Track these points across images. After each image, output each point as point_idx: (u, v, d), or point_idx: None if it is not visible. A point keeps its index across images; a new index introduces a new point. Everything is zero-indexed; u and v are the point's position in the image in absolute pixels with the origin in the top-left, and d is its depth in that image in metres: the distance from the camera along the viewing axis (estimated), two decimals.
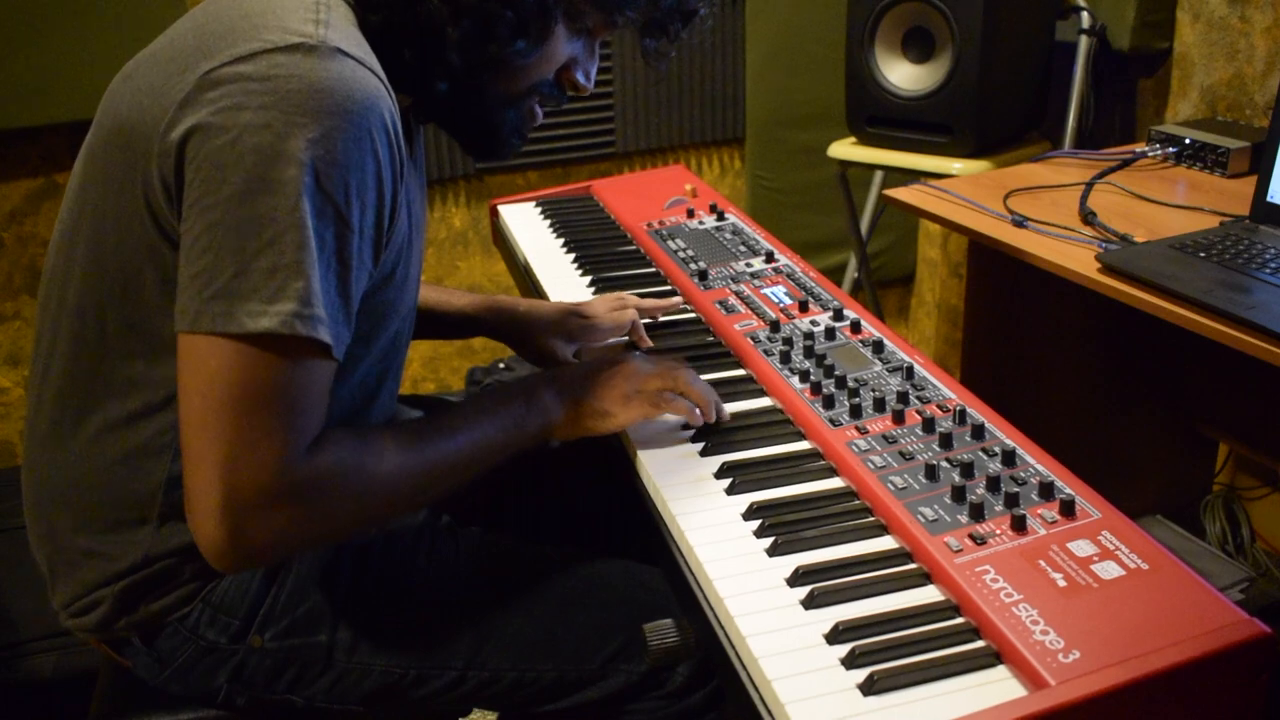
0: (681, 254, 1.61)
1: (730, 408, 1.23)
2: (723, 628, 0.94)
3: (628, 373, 1.18)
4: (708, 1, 1.22)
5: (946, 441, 1.09)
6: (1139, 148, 2.00)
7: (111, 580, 1.09)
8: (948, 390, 1.19)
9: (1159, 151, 1.95)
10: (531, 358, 1.47)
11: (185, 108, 0.92)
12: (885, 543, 1.00)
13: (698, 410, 1.18)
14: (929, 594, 0.94)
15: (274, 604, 1.13)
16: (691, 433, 1.19)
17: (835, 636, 0.89)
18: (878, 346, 1.29)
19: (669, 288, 1.56)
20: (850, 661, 0.86)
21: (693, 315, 1.47)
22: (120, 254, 1.01)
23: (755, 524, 1.03)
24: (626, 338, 1.44)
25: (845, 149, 2.38)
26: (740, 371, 1.31)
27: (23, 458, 1.16)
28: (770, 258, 1.56)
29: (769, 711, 0.85)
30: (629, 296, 1.49)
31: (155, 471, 1.06)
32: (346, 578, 1.16)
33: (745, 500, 1.07)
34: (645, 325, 1.45)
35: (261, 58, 0.91)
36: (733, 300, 1.45)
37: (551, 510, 1.46)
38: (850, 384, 1.21)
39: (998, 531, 0.96)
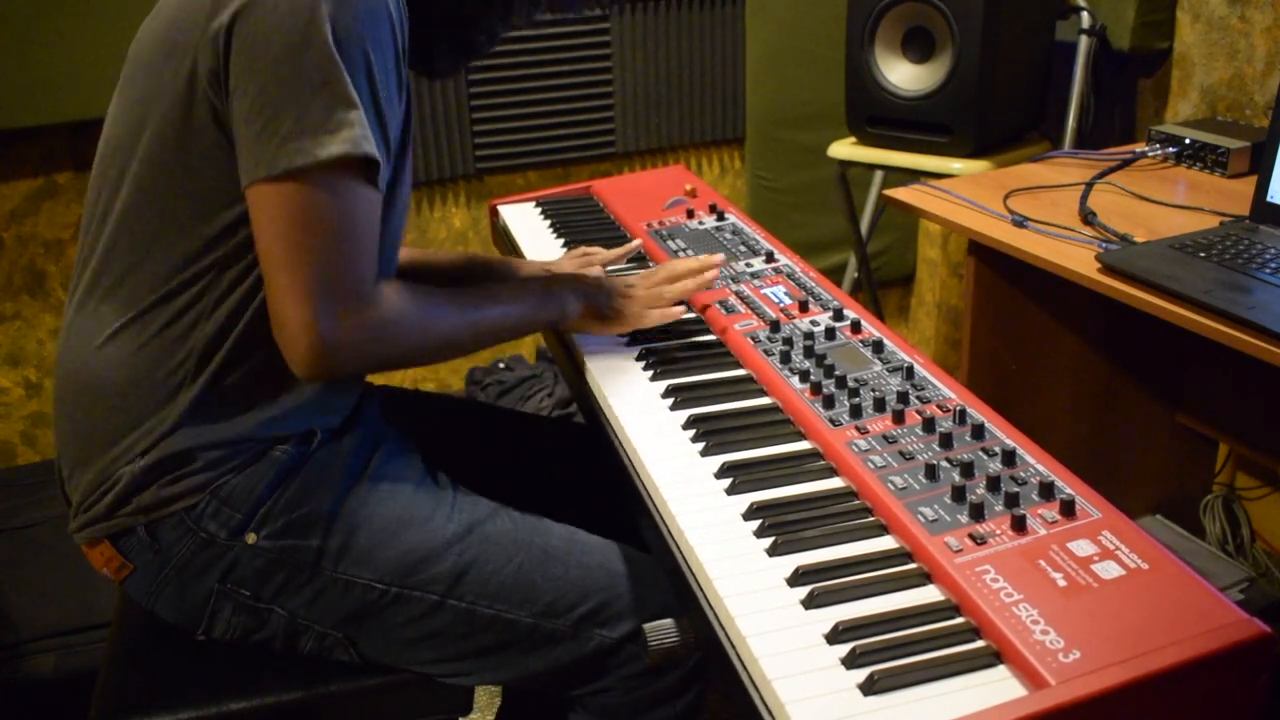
0: (681, 254, 1.61)
1: (730, 407, 1.23)
2: (723, 627, 0.94)
3: (628, 294, 1.39)
4: None
5: (946, 441, 1.09)
6: (1139, 148, 2.00)
7: (133, 459, 1.17)
8: (948, 390, 1.19)
9: (1159, 151, 1.95)
10: None
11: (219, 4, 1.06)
12: (885, 543, 1.00)
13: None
14: (929, 594, 0.94)
15: (275, 504, 1.20)
16: (693, 431, 1.19)
17: (835, 636, 0.89)
18: (878, 346, 1.29)
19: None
20: (850, 661, 0.86)
21: (693, 315, 1.47)
22: (164, 160, 1.14)
23: (755, 524, 1.03)
24: None
25: (845, 149, 2.38)
26: (740, 371, 1.31)
27: (58, 359, 1.26)
28: (770, 258, 1.56)
29: (769, 711, 0.85)
30: (595, 251, 1.62)
31: (183, 351, 1.17)
32: (346, 491, 1.23)
33: (745, 500, 1.07)
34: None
35: None
36: (733, 300, 1.45)
37: (550, 503, 1.48)
38: (850, 384, 1.21)
39: (998, 531, 0.96)
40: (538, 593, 1.23)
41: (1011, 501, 0.99)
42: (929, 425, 1.12)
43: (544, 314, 1.33)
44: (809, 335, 1.32)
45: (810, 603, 0.93)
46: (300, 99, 1.04)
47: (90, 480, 1.20)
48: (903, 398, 1.17)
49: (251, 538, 1.19)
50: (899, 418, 1.14)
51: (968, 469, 1.04)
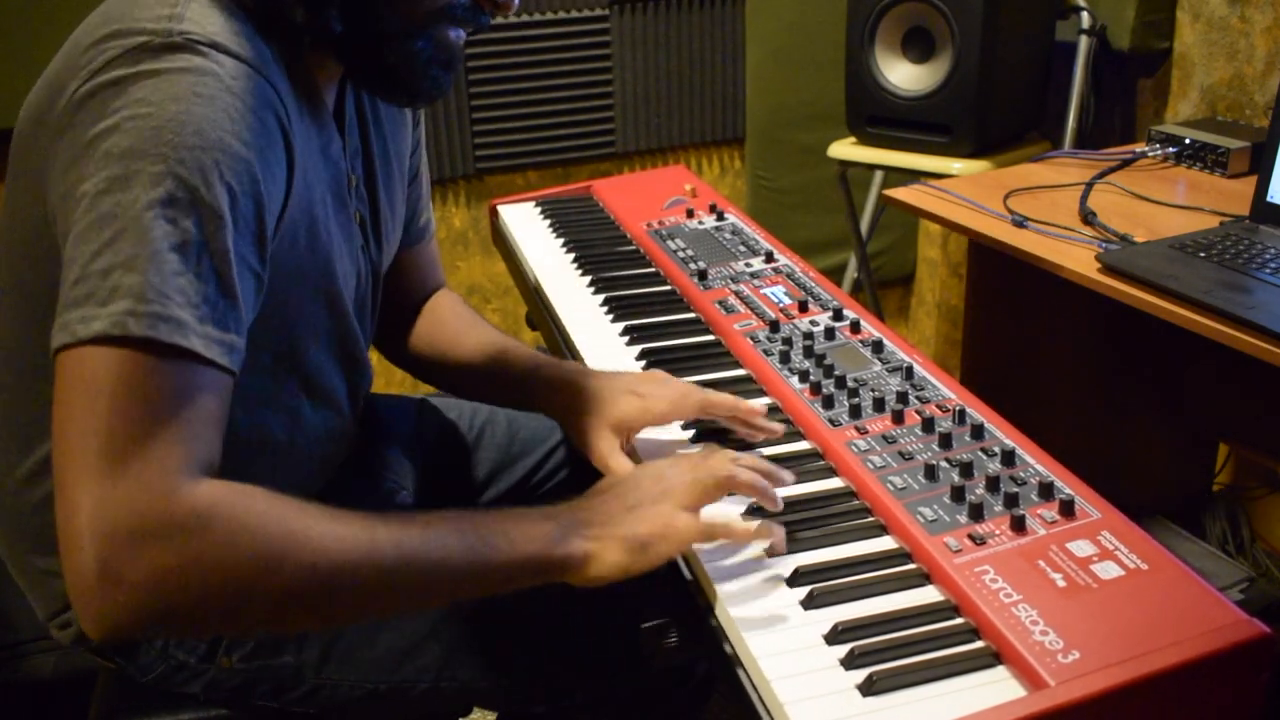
0: (681, 254, 1.61)
1: None
2: (722, 628, 0.93)
3: (658, 490, 0.98)
4: None
5: (946, 441, 1.09)
6: (1139, 148, 2.00)
7: None
8: (947, 390, 1.19)
9: (1159, 151, 1.95)
10: (581, 446, 1.21)
11: (62, 134, 0.88)
12: (885, 543, 1.00)
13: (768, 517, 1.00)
14: (928, 594, 0.94)
15: None
16: (691, 433, 1.19)
17: (834, 637, 0.88)
18: (877, 346, 1.29)
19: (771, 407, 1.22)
20: (850, 662, 0.86)
21: (693, 315, 1.47)
22: (36, 297, 0.95)
23: (754, 525, 1.03)
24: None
25: (845, 149, 2.38)
26: (740, 371, 1.31)
27: None
28: (770, 258, 1.56)
29: (768, 712, 0.85)
30: (716, 399, 1.17)
31: None
32: None
33: (744, 500, 1.07)
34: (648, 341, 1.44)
35: (114, 64, 0.87)
36: (732, 300, 1.45)
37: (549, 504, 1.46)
38: (850, 384, 1.21)
39: (997, 532, 0.96)
40: (533, 650, 1.19)
41: (1011, 502, 0.99)
42: (928, 425, 1.12)
43: (522, 556, 0.92)
44: (808, 335, 1.32)
45: (809, 603, 0.93)
46: (84, 257, 0.82)
47: (47, 609, 1.12)
48: (902, 398, 1.17)
49: (225, 661, 1.11)
50: (898, 418, 1.14)
51: (967, 469, 1.04)
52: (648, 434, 1.18)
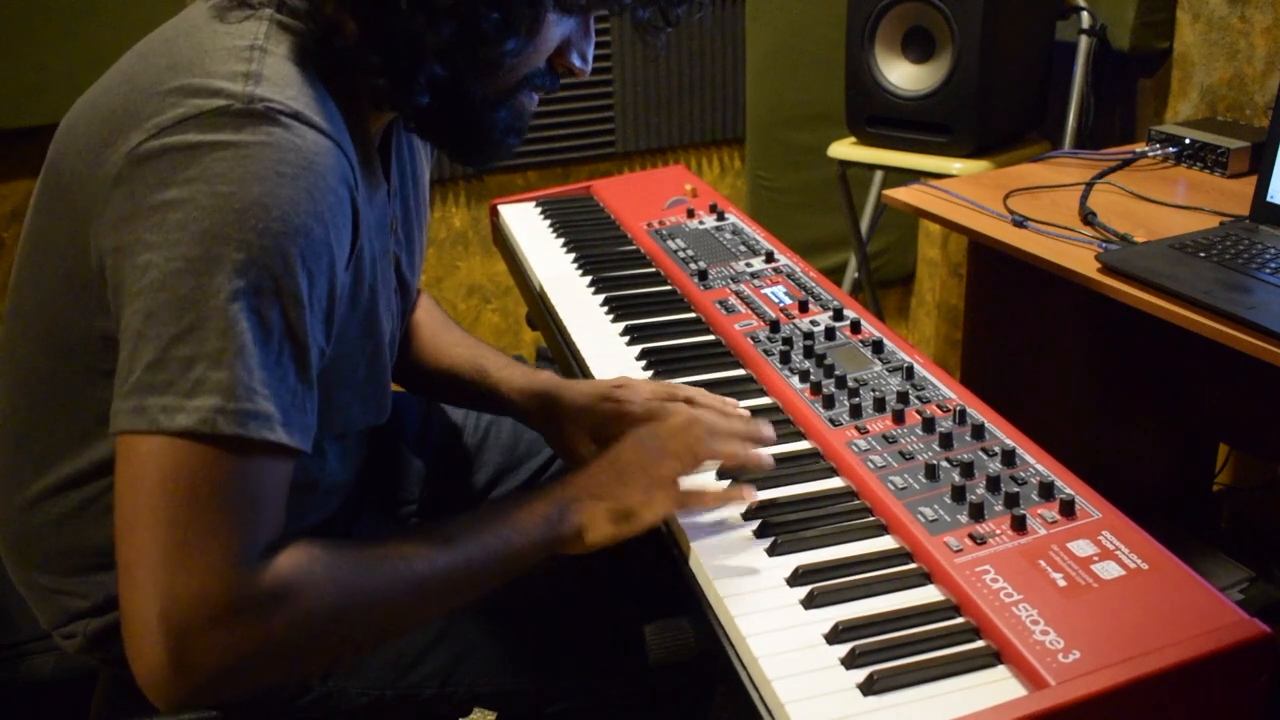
0: (681, 254, 1.61)
1: None
2: (723, 627, 0.94)
3: (640, 460, 1.05)
4: None
5: (946, 441, 1.09)
6: (1139, 148, 2.00)
7: (82, 616, 1.06)
8: (948, 390, 1.19)
9: (1159, 151, 1.95)
10: (562, 455, 1.29)
11: (118, 184, 0.85)
12: (885, 543, 1.00)
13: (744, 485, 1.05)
14: (929, 594, 0.94)
15: None
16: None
17: (835, 636, 0.89)
18: (878, 346, 1.29)
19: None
20: (850, 661, 0.86)
21: (693, 315, 1.47)
22: (61, 323, 0.95)
23: (755, 524, 1.03)
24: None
25: (845, 149, 2.38)
26: (740, 371, 1.31)
27: None
28: (770, 258, 1.56)
29: (769, 711, 0.85)
30: (701, 395, 1.20)
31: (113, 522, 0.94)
32: None
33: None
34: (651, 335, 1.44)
35: (187, 126, 0.84)
36: (733, 300, 1.45)
37: None
38: (850, 384, 1.21)
39: (998, 531, 0.96)
40: (537, 652, 1.19)
41: (1011, 501, 0.99)
42: (929, 425, 1.12)
43: (533, 539, 1.01)
44: (809, 335, 1.32)
45: (810, 603, 0.93)
46: (161, 339, 0.81)
47: (49, 621, 1.10)
48: (903, 398, 1.17)
49: None
50: (899, 418, 1.14)
51: (968, 469, 1.04)
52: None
